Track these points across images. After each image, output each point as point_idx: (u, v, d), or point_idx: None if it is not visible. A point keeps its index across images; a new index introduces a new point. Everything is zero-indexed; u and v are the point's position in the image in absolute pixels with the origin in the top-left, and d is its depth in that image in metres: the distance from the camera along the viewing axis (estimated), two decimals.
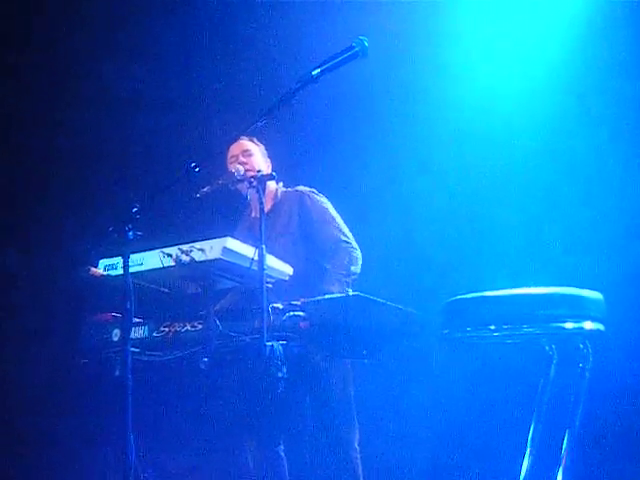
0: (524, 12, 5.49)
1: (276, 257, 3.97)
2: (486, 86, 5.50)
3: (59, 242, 5.78)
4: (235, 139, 3.88)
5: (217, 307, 4.16)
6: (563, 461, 3.58)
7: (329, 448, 4.39)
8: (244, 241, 3.89)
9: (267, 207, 4.58)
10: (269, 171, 4.55)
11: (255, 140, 4.75)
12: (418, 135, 5.59)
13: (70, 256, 5.22)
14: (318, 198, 4.68)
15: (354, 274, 4.48)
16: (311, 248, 4.55)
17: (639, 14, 5.13)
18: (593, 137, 5.23)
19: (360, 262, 4.52)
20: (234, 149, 4.66)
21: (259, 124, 3.53)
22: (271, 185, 4.62)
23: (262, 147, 4.78)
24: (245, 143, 4.69)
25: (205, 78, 6.17)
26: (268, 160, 4.77)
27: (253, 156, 4.69)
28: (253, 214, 4.77)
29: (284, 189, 4.76)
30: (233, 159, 4.66)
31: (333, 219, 4.60)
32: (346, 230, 4.59)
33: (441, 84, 5.57)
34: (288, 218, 4.62)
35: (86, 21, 6.06)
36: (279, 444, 4.51)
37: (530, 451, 3.66)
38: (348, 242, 4.54)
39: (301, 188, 4.75)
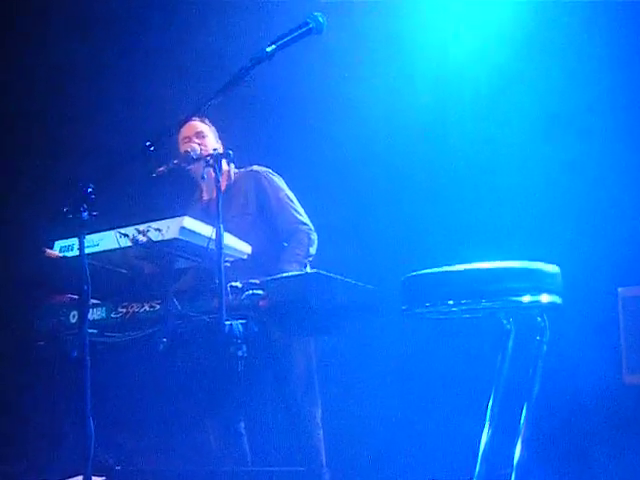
0: None
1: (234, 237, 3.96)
2: (453, 63, 5.51)
3: (13, 224, 5.70)
4: (188, 119, 3.82)
5: (175, 287, 4.14)
6: (522, 433, 3.62)
7: (291, 425, 4.41)
8: None
9: (222, 188, 4.55)
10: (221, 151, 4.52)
11: (207, 121, 4.71)
12: (372, 111, 5.57)
13: (25, 238, 5.17)
14: (274, 178, 4.67)
15: (311, 255, 4.51)
16: (269, 229, 4.54)
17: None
18: (543, 112, 5.28)
19: (316, 244, 4.54)
20: (186, 130, 4.59)
21: (213, 103, 3.50)
22: (224, 166, 4.60)
23: (214, 129, 4.74)
24: (198, 124, 4.64)
25: (160, 52, 6.09)
26: (219, 142, 4.73)
27: (206, 137, 4.65)
28: (205, 196, 4.74)
29: (237, 170, 4.74)
30: (186, 140, 4.61)
31: (290, 200, 4.60)
32: (302, 211, 4.60)
33: (393, 58, 5.57)
34: (244, 198, 4.61)
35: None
36: (239, 421, 4.52)
37: (489, 424, 3.70)
38: (305, 224, 4.56)
39: (256, 168, 4.72)
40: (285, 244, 4.48)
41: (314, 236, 4.55)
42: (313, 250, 4.52)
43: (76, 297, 3.85)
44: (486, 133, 5.36)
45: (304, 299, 3.66)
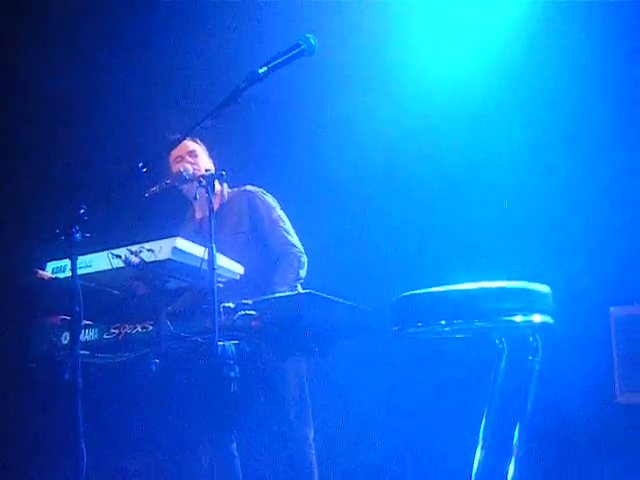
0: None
1: (226, 257, 3.96)
2: (436, 80, 5.52)
3: (5, 246, 5.69)
4: (180, 140, 3.82)
5: (169, 308, 4.13)
6: (515, 452, 3.62)
7: (284, 445, 4.39)
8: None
9: (215, 208, 4.56)
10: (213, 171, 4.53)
11: (198, 140, 4.72)
12: (365, 131, 5.59)
13: (17, 260, 5.16)
14: (267, 198, 4.67)
15: (301, 278, 4.51)
16: (262, 248, 4.55)
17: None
18: (532, 129, 5.30)
19: (306, 267, 4.54)
20: (179, 150, 4.59)
21: (206, 124, 3.51)
22: (216, 186, 4.60)
23: (204, 147, 4.76)
24: (189, 144, 4.65)
25: (151, 76, 6.11)
26: (211, 160, 4.74)
27: (198, 157, 4.66)
28: (198, 215, 4.75)
29: (230, 190, 4.75)
30: (178, 159, 4.63)
31: (282, 221, 4.61)
32: (293, 233, 4.61)
33: (386, 81, 5.59)
34: (237, 218, 4.61)
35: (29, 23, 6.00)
36: (231, 442, 4.51)
37: (482, 444, 3.69)
38: (296, 246, 4.56)
39: (250, 188, 4.73)
40: (277, 265, 4.48)
41: (304, 259, 4.56)
42: (303, 273, 4.52)
43: (68, 318, 3.85)
44: (477, 153, 5.38)
45: (296, 319, 3.66)
